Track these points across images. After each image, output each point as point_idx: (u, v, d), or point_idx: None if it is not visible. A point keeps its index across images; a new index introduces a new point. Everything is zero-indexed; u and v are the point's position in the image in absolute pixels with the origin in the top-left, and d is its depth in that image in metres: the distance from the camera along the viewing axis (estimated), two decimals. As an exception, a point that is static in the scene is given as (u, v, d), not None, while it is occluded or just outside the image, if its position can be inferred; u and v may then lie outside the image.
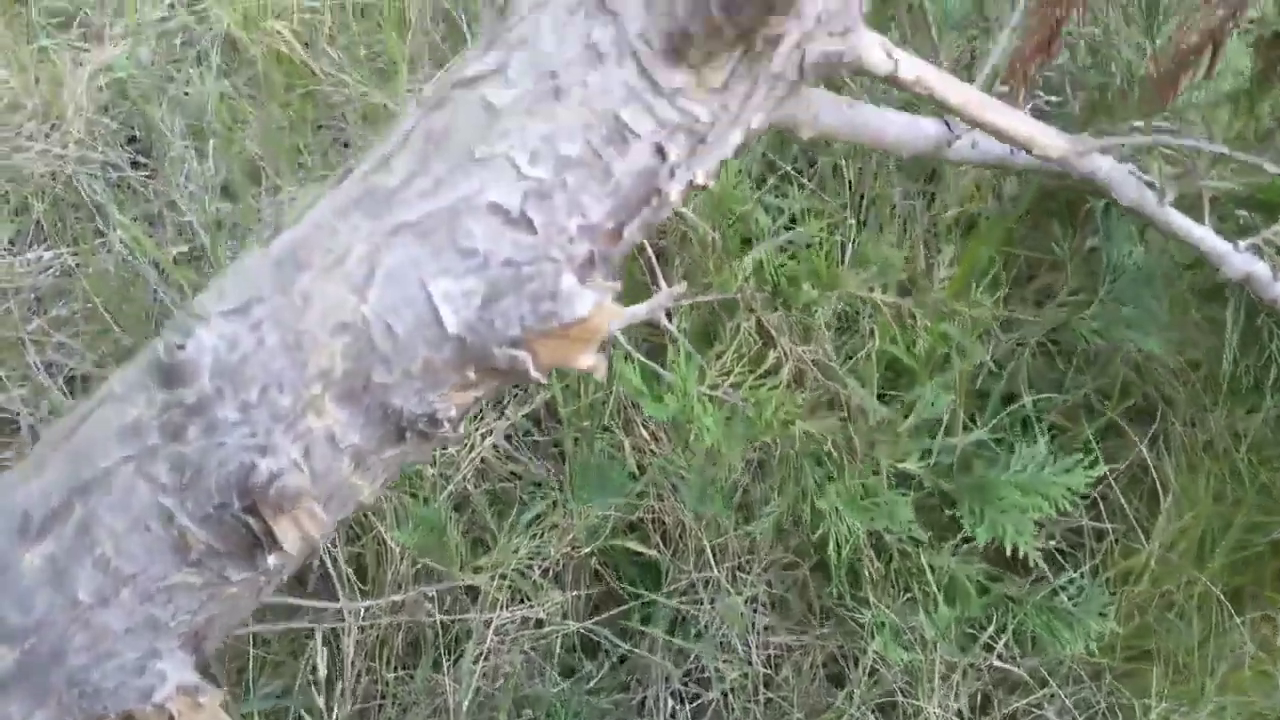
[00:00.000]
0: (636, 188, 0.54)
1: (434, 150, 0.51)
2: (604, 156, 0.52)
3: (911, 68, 0.59)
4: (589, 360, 0.54)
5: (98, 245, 1.42)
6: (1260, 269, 0.76)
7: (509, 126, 0.51)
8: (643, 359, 0.90)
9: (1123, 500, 1.12)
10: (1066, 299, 0.98)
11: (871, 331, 1.05)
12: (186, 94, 1.60)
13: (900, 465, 0.91)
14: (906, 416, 0.97)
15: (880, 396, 1.12)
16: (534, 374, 0.53)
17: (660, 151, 0.53)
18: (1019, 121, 0.63)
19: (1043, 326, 1.02)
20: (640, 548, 1.09)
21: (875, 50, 0.59)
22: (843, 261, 0.97)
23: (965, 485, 0.89)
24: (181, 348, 0.50)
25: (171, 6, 1.69)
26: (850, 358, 1.08)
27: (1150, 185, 0.69)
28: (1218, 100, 0.66)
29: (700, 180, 0.56)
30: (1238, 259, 0.75)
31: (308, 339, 0.50)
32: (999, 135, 0.63)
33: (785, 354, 1.00)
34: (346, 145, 1.51)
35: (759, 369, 0.98)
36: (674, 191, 0.55)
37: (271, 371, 0.50)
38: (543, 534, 1.09)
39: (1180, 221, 0.71)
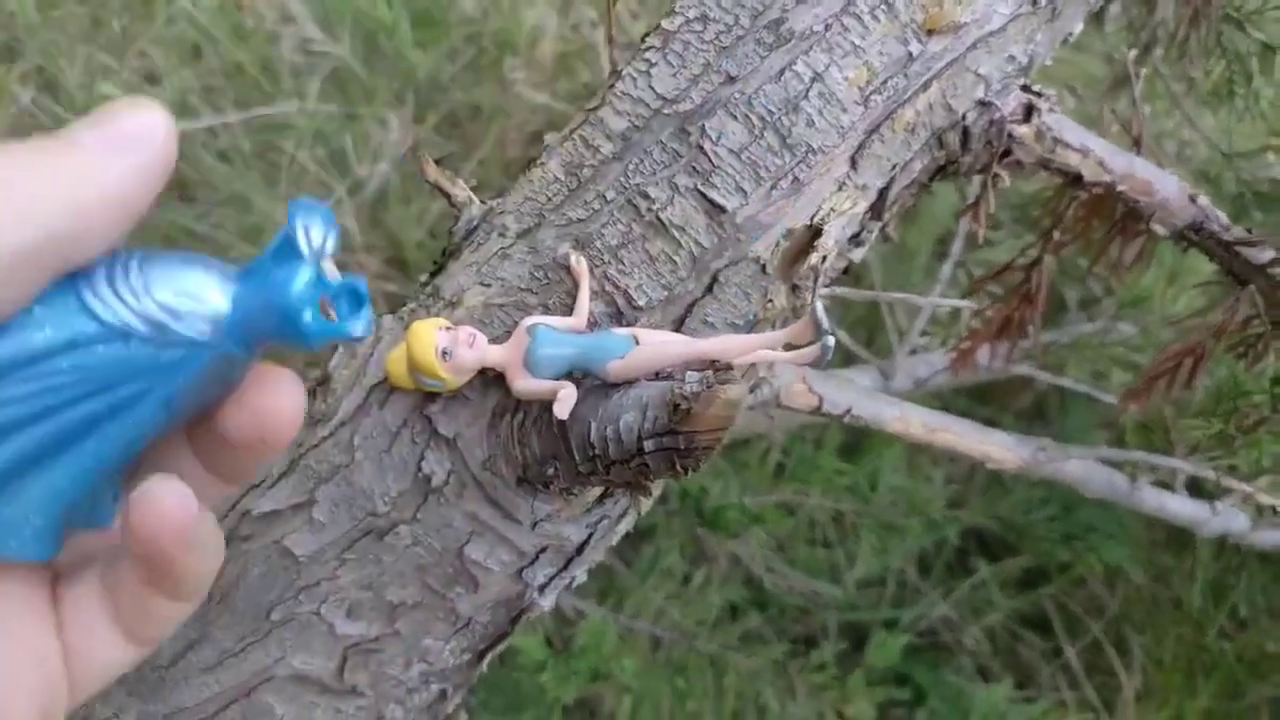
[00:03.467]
0: (495, 617, 0.41)
1: (218, 611, 0.38)
2: (449, 596, 0.40)
3: (837, 400, 0.48)
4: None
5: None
6: (1239, 523, 0.67)
7: (318, 577, 0.38)
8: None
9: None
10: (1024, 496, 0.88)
11: (811, 524, 0.94)
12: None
13: (848, 713, 0.81)
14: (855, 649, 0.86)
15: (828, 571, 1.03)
16: None
17: (522, 577, 0.41)
18: (971, 438, 0.52)
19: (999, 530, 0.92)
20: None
21: (796, 388, 0.47)
22: (780, 474, 0.86)
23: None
24: None
25: (24, 111, 1.52)
26: (783, 548, 0.97)
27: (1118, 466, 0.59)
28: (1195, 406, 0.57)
29: (583, 577, 0.44)
30: (1216, 522, 0.66)
31: None
32: (952, 454, 0.52)
33: (715, 565, 0.89)
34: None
35: (688, 586, 0.86)
36: (547, 603, 0.43)
37: None
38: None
39: (1153, 500, 0.62)
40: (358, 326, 0.26)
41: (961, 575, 1.15)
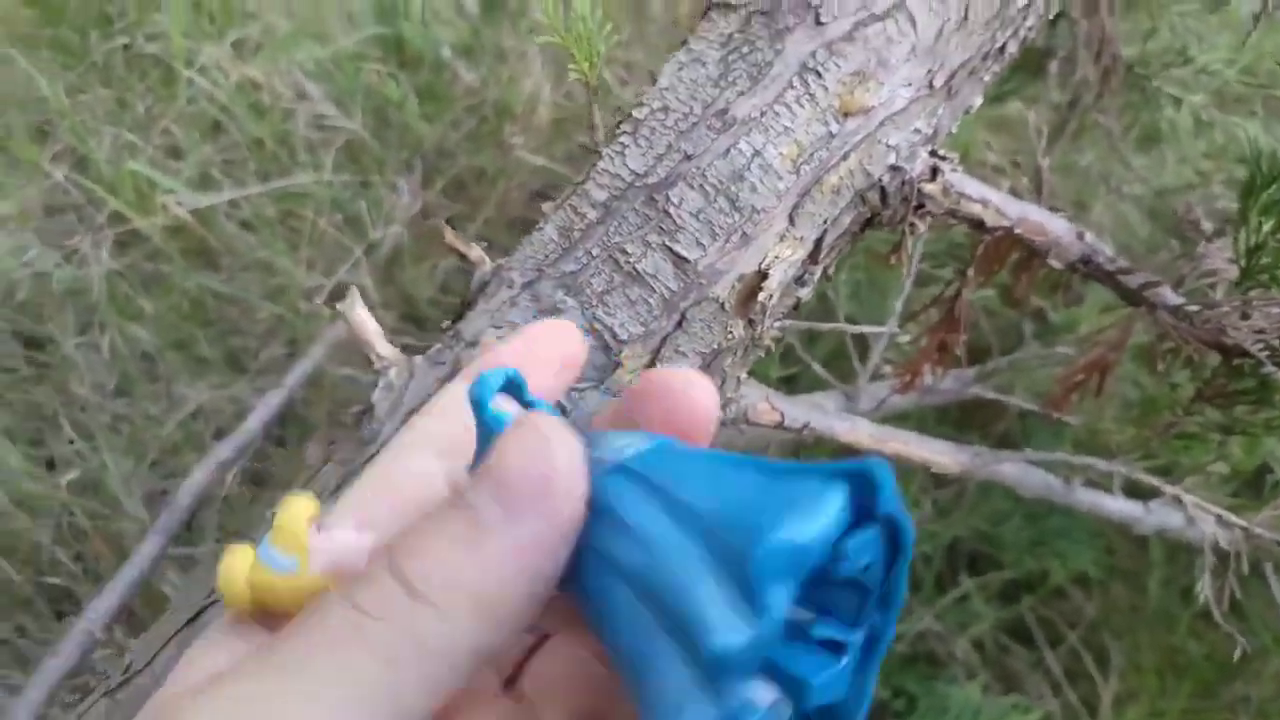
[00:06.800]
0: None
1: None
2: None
3: (796, 416, 0.57)
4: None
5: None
6: (1174, 520, 0.75)
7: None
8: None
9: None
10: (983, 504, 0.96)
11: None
12: (79, 277, 1.54)
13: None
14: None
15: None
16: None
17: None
18: (915, 446, 0.61)
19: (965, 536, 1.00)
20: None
21: (761, 406, 0.56)
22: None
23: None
24: None
25: (58, 187, 1.63)
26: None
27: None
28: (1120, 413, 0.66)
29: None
30: (1150, 519, 0.74)
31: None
32: (897, 459, 0.60)
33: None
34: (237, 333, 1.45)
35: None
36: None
37: None
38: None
39: (1090, 500, 0.70)
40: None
41: (953, 589, 1.23)
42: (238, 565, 0.25)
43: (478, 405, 0.25)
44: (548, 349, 0.30)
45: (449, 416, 0.28)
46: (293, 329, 1.35)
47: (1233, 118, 0.80)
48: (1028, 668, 1.24)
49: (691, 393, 0.27)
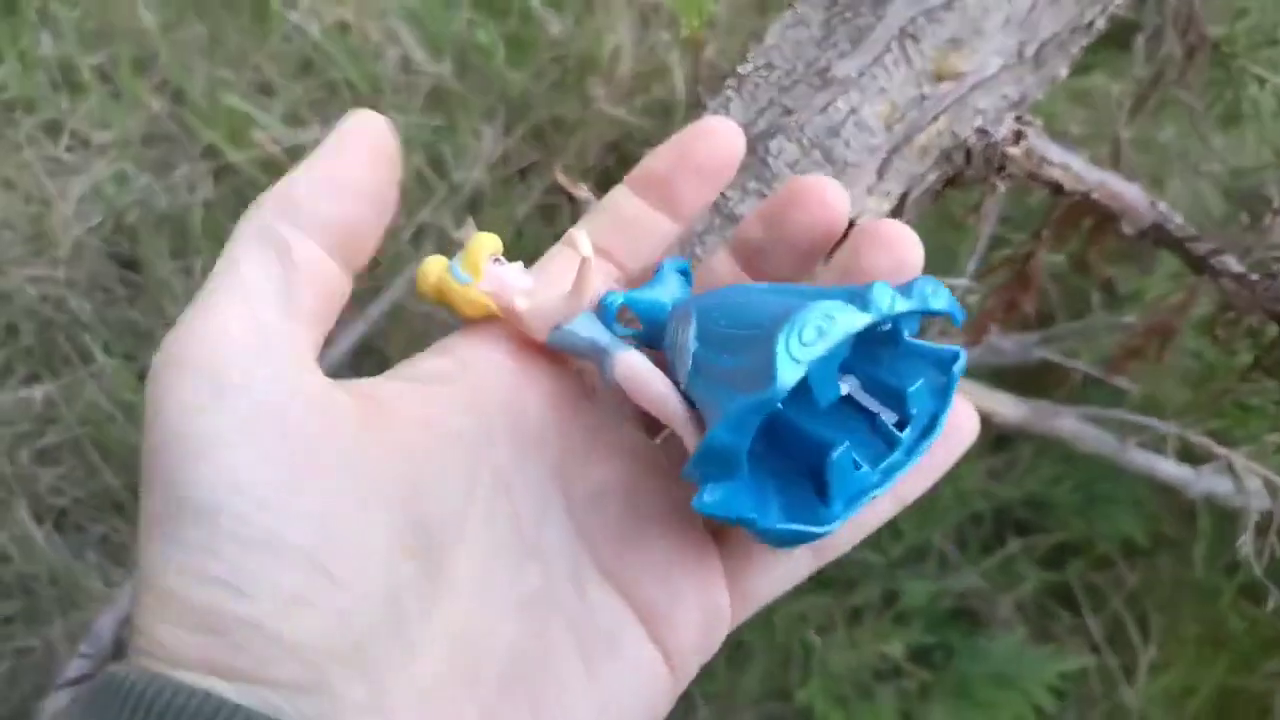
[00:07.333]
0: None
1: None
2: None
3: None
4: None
5: (85, 375, 1.44)
6: (1223, 485, 0.78)
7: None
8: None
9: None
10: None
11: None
12: (172, 202, 1.61)
13: (883, 649, 0.93)
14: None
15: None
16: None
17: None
18: (976, 396, 0.64)
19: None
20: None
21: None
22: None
23: (943, 679, 0.90)
24: None
25: (155, 118, 1.70)
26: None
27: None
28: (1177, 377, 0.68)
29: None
30: (1201, 484, 0.76)
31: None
32: (961, 410, 0.64)
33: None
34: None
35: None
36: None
37: None
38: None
39: (1142, 460, 0.73)
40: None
41: (998, 550, 1.26)
42: (433, 268, 0.33)
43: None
44: (703, 155, 0.35)
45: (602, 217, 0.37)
46: (375, 263, 1.41)
47: (1318, 99, 0.81)
48: (1067, 631, 1.27)
49: (826, 192, 0.34)
